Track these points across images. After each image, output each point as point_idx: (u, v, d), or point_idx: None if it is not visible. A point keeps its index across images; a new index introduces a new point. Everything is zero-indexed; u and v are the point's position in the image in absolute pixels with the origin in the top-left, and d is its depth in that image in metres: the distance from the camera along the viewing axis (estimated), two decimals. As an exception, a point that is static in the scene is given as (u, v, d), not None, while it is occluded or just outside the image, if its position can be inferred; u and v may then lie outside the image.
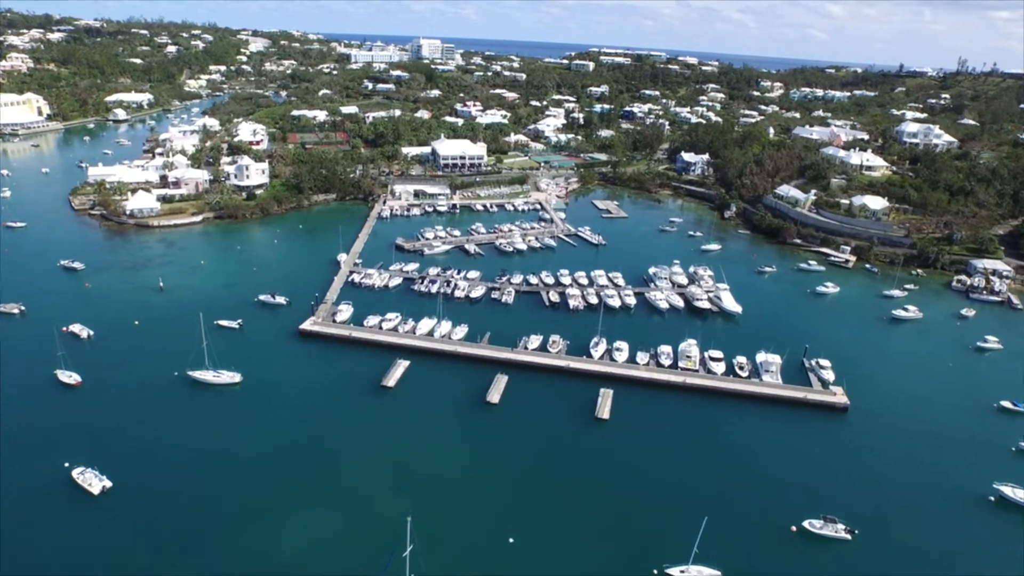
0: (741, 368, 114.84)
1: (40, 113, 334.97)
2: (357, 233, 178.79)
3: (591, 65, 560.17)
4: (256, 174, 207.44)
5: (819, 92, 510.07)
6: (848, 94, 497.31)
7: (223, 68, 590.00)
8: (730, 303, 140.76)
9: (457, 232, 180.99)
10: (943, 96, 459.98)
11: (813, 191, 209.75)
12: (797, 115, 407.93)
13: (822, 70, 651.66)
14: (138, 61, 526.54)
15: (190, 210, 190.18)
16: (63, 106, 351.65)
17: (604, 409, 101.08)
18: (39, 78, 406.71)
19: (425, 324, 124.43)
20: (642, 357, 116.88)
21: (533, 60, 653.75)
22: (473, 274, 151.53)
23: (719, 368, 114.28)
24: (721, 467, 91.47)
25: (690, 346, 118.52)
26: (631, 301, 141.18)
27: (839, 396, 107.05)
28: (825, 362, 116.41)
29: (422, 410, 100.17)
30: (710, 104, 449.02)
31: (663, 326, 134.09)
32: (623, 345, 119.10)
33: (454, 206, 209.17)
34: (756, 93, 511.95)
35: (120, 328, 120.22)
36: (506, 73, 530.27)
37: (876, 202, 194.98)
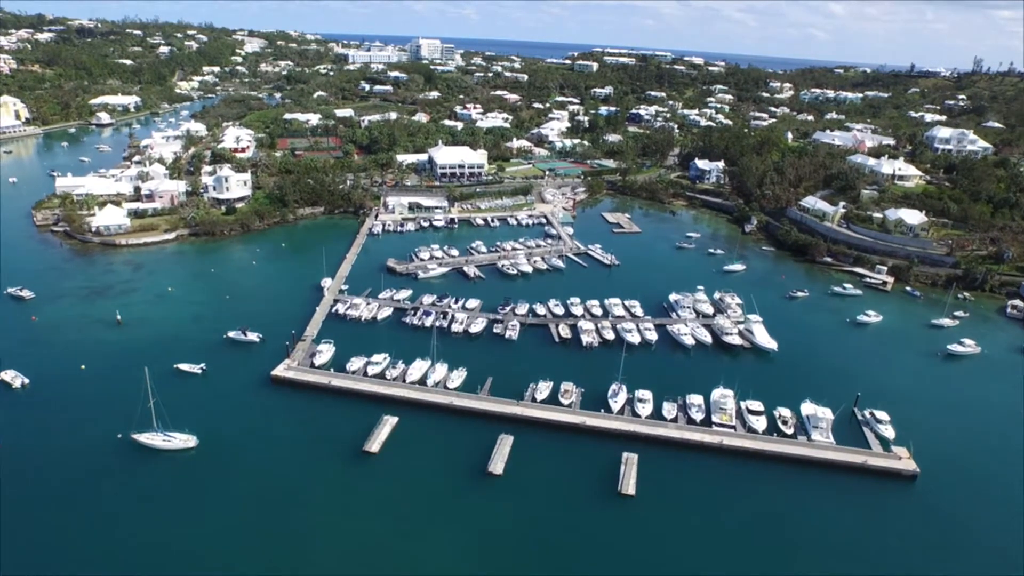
0: (785, 423, 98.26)
1: (18, 117, 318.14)
2: (345, 253, 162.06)
3: (595, 65, 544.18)
4: (237, 186, 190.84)
5: (830, 93, 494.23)
6: (860, 95, 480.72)
7: (217, 69, 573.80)
8: (763, 338, 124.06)
9: (455, 251, 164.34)
10: (959, 97, 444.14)
11: (842, 203, 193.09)
12: (810, 117, 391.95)
13: (830, 70, 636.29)
14: (128, 62, 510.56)
15: (163, 226, 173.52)
16: (43, 109, 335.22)
17: (629, 482, 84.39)
18: (21, 80, 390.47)
19: (417, 368, 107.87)
20: (669, 409, 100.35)
21: (535, 60, 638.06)
22: (472, 303, 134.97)
23: (759, 424, 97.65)
24: (775, 561, 74.82)
25: (724, 397, 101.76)
26: (652, 336, 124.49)
27: (905, 461, 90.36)
28: (882, 414, 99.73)
29: (411, 485, 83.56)
30: (719, 106, 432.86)
31: (689, 366, 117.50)
32: (646, 395, 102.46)
33: (452, 220, 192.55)
34: (765, 94, 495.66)
35: (62, 375, 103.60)
36: (507, 74, 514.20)
37: (913, 216, 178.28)
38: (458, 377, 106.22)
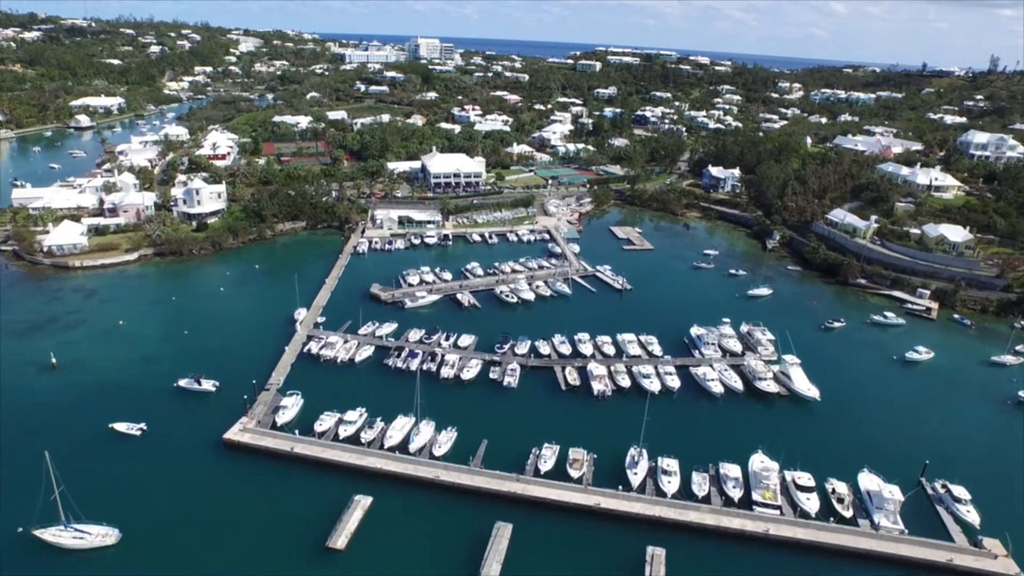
0: (841, 502, 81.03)
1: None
2: (324, 276, 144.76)
3: (598, 65, 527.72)
4: (210, 199, 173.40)
5: (841, 94, 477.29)
6: (873, 96, 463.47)
7: (209, 69, 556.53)
8: (803, 384, 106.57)
9: (448, 275, 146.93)
10: (977, 97, 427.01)
11: (873, 217, 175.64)
12: (824, 119, 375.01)
13: (839, 70, 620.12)
14: (116, 62, 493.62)
15: (124, 245, 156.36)
16: (17, 111, 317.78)
17: (657, 593, 67.22)
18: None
19: (398, 428, 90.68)
20: (699, 482, 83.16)
21: (536, 60, 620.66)
22: (466, 339, 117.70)
23: (811, 504, 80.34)
24: None
25: (766, 469, 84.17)
26: (674, 383, 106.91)
27: (1003, 560, 72.80)
28: (960, 490, 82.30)
29: (382, 599, 66.50)
30: (727, 107, 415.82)
31: (720, 422, 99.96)
32: (672, 464, 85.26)
33: (446, 237, 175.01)
34: (774, 95, 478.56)
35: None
36: (507, 74, 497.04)
37: (956, 232, 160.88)
38: (446, 440, 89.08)
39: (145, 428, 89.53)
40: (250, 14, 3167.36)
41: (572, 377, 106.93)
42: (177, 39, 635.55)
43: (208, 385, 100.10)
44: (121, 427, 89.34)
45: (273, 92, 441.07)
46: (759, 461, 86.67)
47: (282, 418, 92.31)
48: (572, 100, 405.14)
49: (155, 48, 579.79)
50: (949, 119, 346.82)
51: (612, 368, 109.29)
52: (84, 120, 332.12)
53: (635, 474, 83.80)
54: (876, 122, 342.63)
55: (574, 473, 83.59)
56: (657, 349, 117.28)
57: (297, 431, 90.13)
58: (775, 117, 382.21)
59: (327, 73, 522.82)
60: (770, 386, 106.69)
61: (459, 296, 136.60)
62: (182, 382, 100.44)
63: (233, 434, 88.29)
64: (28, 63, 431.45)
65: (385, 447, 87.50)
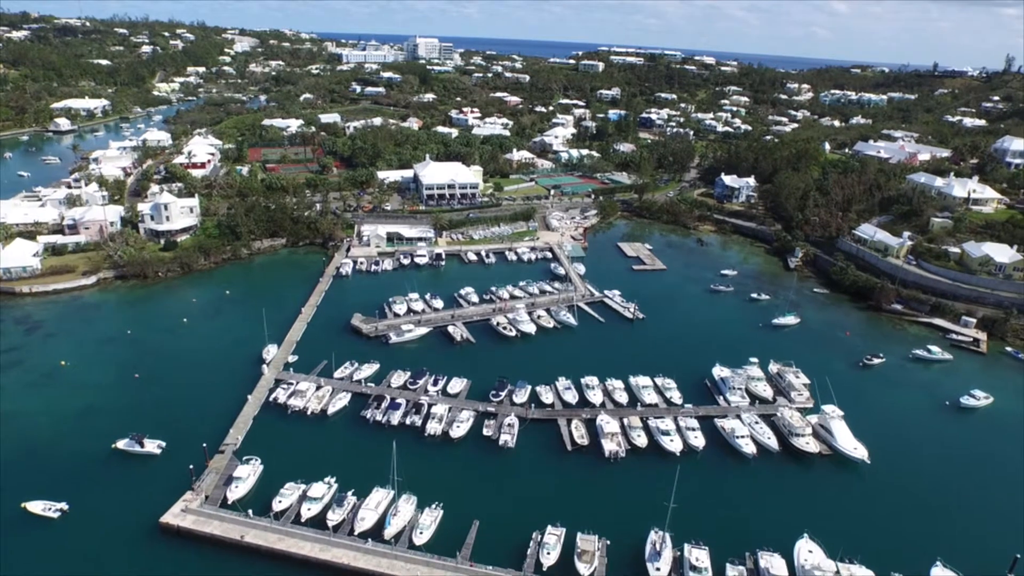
0: (912, 608, 66.10)
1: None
2: (301, 305, 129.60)
3: (601, 65, 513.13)
4: (180, 214, 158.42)
5: (852, 95, 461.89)
6: (884, 97, 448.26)
7: (202, 70, 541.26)
8: (847, 441, 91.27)
9: (439, 302, 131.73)
10: (993, 97, 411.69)
11: (907, 233, 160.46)
12: (836, 122, 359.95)
13: (847, 70, 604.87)
14: (105, 62, 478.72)
15: (82, 267, 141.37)
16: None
17: None
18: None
19: (372, 505, 75.53)
20: (735, 578, 68.24)
21: (537, 60, 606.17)
22: (457, 383, 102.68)
23: (876, 611, 65.42)
24: None
25: (818, 568, 68.57)
26: (698, 440, 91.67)
27: None
28: (1057, 594, 67.43)
29: None
30: (734, 109, 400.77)
31: (753, 491, 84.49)
32: (702, 557, 70.01)
33: (438, 256, 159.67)
34: (783, 96, 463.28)
35: None
36: (508, 74, 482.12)
37: (1002, 252, 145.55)
38: (430, 522, 73.93)
39: (66, 508, 74.43)
40: (250, 14, 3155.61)
41: (579, 434, 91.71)
42: (170, 39, 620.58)
43: (152, 447, 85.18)
44: (36, 507, 74.14)
45: (266, 93, 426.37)
46: (807, 550, 71.66)
47: (235, 492, 77.30)
48: (574, 102, 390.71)
49: (147, 48, 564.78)
50: (968, 122, 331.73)
51: (626, 422, 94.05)
52: (64, 123, 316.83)
53: (657, 569, 68.77)
54: (892, 125, 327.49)
55: (583, 569, 68.41)
56: (676, 395, 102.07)
57: (251, 511, 74.94)
58: (785, 120, 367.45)
59: (322, 74, 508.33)
60: (809, 444, 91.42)
61: (451, 329, 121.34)
62: (121, 443, 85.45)
63: (172, 516, 73.22)
64: (11, 63, 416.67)
65: (356, 532, 72.39)
